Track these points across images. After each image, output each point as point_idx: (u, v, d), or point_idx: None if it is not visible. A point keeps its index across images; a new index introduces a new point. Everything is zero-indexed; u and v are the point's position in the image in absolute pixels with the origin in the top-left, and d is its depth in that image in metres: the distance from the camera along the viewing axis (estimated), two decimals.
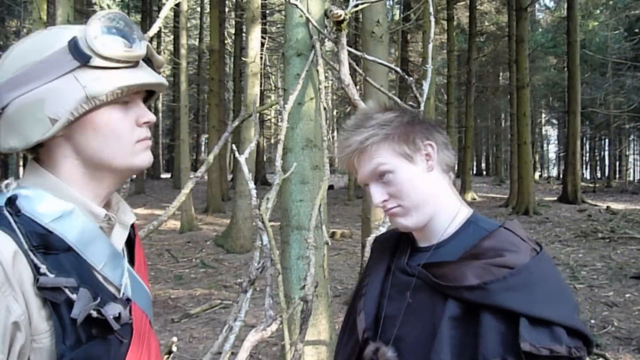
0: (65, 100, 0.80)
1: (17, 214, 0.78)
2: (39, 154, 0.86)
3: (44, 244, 0.78)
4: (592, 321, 5.42)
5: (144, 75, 0.86)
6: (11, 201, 0.79)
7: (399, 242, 1.15)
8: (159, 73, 0.93)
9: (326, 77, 3.14)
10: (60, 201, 0.83)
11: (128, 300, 0.89)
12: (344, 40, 2.82)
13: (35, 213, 0.79)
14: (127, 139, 0.86)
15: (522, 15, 14.37)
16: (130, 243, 0.99)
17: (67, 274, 0.78)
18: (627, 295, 6.36)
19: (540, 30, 24.19)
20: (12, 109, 0.81)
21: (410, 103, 2.94)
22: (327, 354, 3.30)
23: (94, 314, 0.78)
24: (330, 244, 2.75)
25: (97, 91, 0.80)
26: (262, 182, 21.98)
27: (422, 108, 2.82)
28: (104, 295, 0.82)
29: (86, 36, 0.81)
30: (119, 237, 0.93)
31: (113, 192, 0.94)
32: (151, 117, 0.90)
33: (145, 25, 21.13)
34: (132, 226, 0.99)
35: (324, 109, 3.07)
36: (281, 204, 3.25)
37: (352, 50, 3.16)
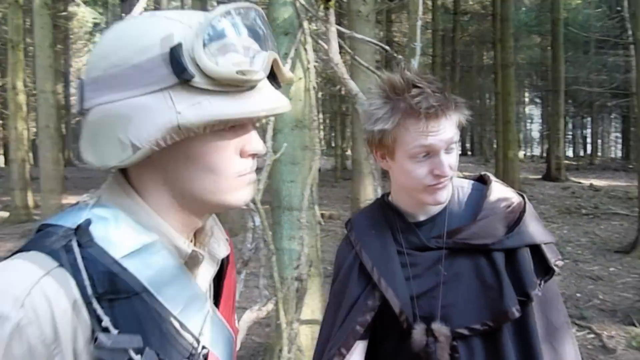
0: (153, 126, 0.61)
1: (88, 243, 0.62)
2: (126, 170, 0.69)
3: (112, 290, 0.62)
4: (578, 295, 5.54)
5: (256, 103, 0.66)
6: (82, 230, 0.63)
7: (389, 223, 1.13)
8: (279, 88, 0.73)
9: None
10: (141, 229, 0.66)
11: (205, 353, 0.73)
12: (332, 18, 2.79)
13: (109, 242, 0.63)
14: (224, 173, 0.68)
15: None
16: (220, 275, 0.83)
17: (133, 330, 0.62)
18: (611, 269, 6.50)
19: (523, 9, 24.18)
20: (94, 116, 0.64)
21: None
22: None
23: None
24: (323, 223, 2.76)
25: (191, 121, 0.61)
26: None
27: None
28: (173, 350, 0.67)
29: (194, 46, 0.61)
30: (206, 274, 0.78)
31: (206, 221, 0.79)
32: (259, 148, 0.71)
33: (124, 8, 20.65)
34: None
35: (313, 88, 3.04)
36: (271, 185, 3.23)
37: (341, 28, 3.13)
